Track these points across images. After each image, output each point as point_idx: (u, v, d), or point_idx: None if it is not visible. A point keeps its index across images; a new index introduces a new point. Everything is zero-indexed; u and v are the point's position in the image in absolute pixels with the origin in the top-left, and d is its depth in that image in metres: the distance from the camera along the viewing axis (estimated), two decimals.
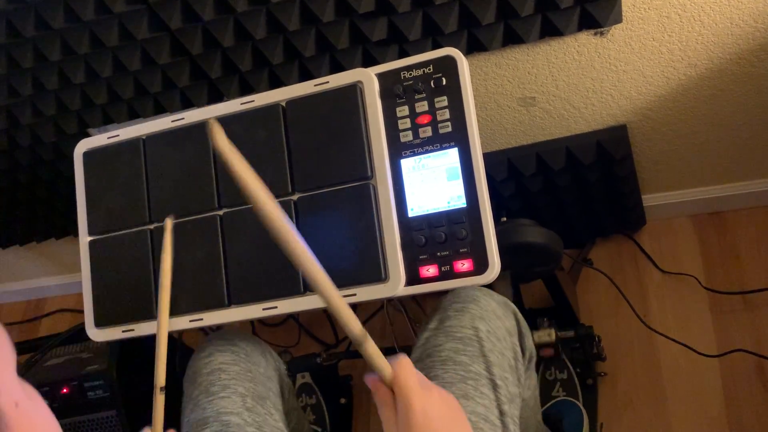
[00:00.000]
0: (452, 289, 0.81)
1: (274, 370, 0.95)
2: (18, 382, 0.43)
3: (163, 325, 0.83)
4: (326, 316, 1.52)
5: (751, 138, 1.19)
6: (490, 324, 0.80)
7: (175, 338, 1.36)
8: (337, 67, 1.07)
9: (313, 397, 1.36)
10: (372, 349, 0.60)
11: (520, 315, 0.87)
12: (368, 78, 0.83)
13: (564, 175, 1.24)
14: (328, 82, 0.85)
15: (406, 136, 0.82)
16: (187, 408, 0.86)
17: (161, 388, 0.76)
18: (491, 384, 0.75)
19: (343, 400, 1.39)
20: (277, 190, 0.85)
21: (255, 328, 1.57)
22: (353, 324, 0.59)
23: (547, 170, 1.23)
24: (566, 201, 1.30)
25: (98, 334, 0.91)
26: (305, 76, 1.09)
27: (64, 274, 1.84)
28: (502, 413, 0.74)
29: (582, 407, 1.18)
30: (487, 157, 1.24)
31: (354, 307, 1.50)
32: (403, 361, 0.60)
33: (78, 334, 1.44)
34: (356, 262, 0.81)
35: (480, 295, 0.83)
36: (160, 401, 0.74)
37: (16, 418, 0.40)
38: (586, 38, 1.03)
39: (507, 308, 0.85)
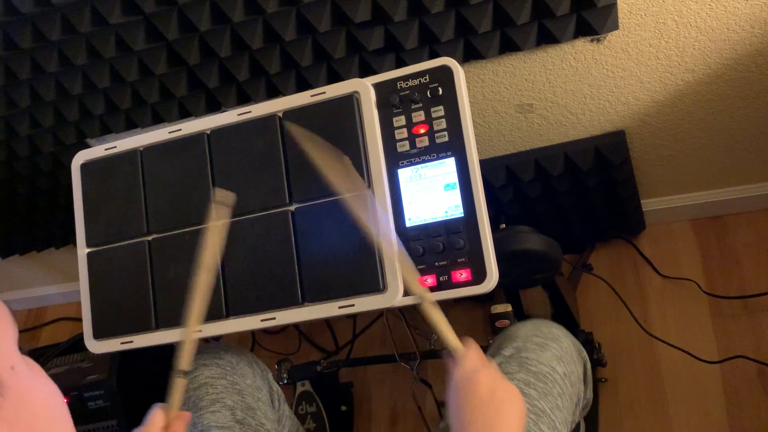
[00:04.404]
0: (451, 299, 0.81)
1: (261, 380, 0.94)
2: (16, 350, 0.41)
3: (196, 308, 0.74)
4: (326, 323, 1.52)
5: (749, 142, 1.19)
6: (567, 367, 0.81)
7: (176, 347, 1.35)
8: (333, 76, 1.07)
9: (313, 405, 1.35)
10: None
11: (588, 364, 0.88)
12: (365, 88, 0.83)
13: (563, 181, 1.24)
14: (324, 92, 0.85)
15: (403, 146, 0.82)
16: None
17: (183, 373, 0.72)
18: (551, 424, 0.75)
19: (344, 408, 1.39)
20: (274, 200, 0.85)
21: (255, 336, 1.57)
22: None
23: (545, 176, 1.23)
24: (565, 206, 1.30)
25: (97, 346, 0.91)
26: (302, 85, 1.09)
27: (64, 283, 1.84)
28: None
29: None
30: (485, 163, 1.25)
31: (353, 317, 1.49)
32: (470, 343, 0.68)
33: (78, 343, 1.44)
34: (354, 273, 0.81)
35: (561, 335, 0.84)
36: (179, 384, 0.72)
37: (13, 379, 0.38)
38: (582, 45, 1.03)
39: (580, 355, 0.86)
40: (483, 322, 1.40)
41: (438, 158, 0.81)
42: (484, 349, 0.82)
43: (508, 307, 1.15)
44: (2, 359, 0.39)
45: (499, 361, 0.81)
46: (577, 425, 1.16)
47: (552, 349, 0.81)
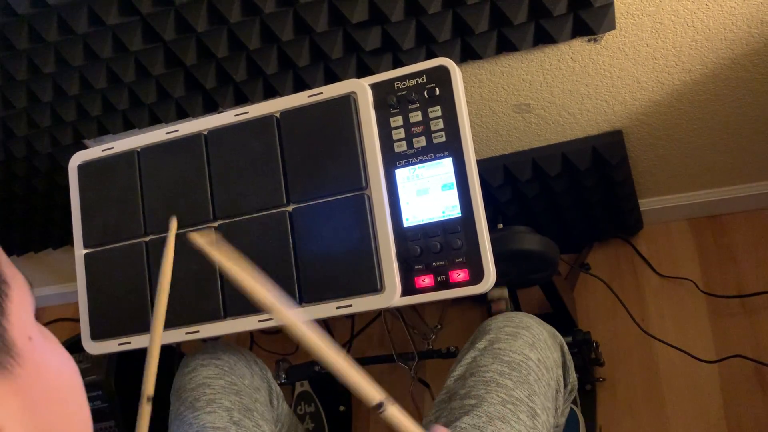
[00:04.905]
0: (449, 299, 0.81)
1: (260, 380, 0.94)
2: (34, 322, 0.41)
3: (157, 331, 0.72)
4: (324, 324, 1.51)
5: (746, 141, 1.20)
6: (541, 353, 0.81)
7: (174, 348, 1.36)
8: (331, 77, 1.07)
9: (312, 405, 1.35)
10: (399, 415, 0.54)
11: (566, 347, 0.88)
12: (362, 89, 0.83)
13: (560, 181, 1.24)
14: (321, 93, 0.85)
15: (401, 147, 0.82)
16: (173, 425, 0.85)
17: (148, 398, 0.70)
18: (531, 412, 0.75)
19: (342, 408, 1.39)
20: (272, 201, 0.85)
21: (253, 336, 1.56)
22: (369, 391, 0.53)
23: (543, 176, 1.23)
24: (563, 206, 1.30)
25: (94, 347, 0.91)
26: (299, 85, 1.09)
27: (62, 284, 1.84)
28: None
29: (579, 413, 1.18)
30: (483, 163, 1.25)
31: (351, 317, 1.49)
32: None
33: (76, 344, 1.44)
34: (352, 273, 0.81)
35: (533, 323, 0.84)
36: (146, 412, 0.69)
37: (30, 350, 0.38)
38: (579, 45, 1.03)
39: (555, 340, 0.87)
40: (481, 323, 1.40)
41: (435, 158, 0.81)
42: None
43: (504, 292, 1.14)
44: (21, 330, 0.38)
45: (474, 355, 0.81)
46: (576, 421, 1.16)
47: (523, 337, 0.81)
